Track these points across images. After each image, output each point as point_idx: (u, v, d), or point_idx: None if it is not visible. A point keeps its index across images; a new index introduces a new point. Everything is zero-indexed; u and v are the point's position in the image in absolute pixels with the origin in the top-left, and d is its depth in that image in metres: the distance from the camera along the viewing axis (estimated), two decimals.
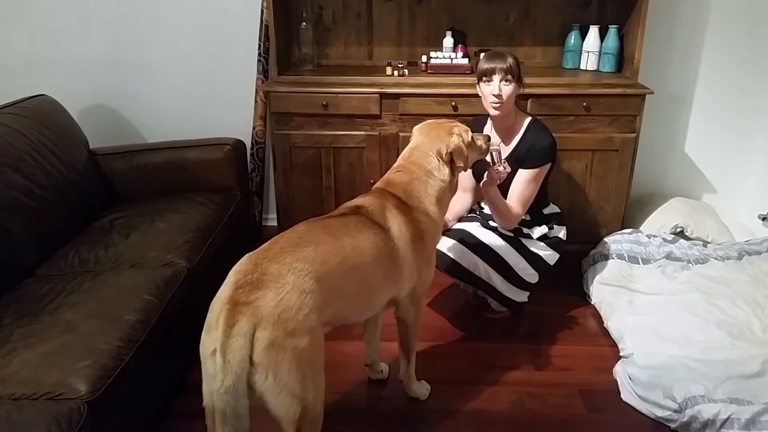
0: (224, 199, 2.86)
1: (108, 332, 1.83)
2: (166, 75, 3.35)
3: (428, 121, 2.19)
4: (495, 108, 2.38)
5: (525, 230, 2.52)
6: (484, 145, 2.18)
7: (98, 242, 2.44)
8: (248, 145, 3.29)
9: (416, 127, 2.16)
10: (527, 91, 2.76)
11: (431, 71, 3.04)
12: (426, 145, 2.05)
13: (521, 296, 2.62)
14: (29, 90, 2.85)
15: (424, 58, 3.08)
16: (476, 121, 2.59)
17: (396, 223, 1.88)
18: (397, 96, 2.88)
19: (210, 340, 1.46)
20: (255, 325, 1.45)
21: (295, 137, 2.96)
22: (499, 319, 2.70)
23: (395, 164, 2.10)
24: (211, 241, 2.51)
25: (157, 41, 3.28)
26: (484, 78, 2.38)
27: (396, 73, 2.99)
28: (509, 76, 2.35)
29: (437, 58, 3.05)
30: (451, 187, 2.07)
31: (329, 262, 1.65)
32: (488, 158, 2.27)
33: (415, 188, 1.98)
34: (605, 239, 2.99)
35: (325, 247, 1.68)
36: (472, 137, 2.11)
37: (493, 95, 2.35)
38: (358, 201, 1.94)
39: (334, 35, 3.24)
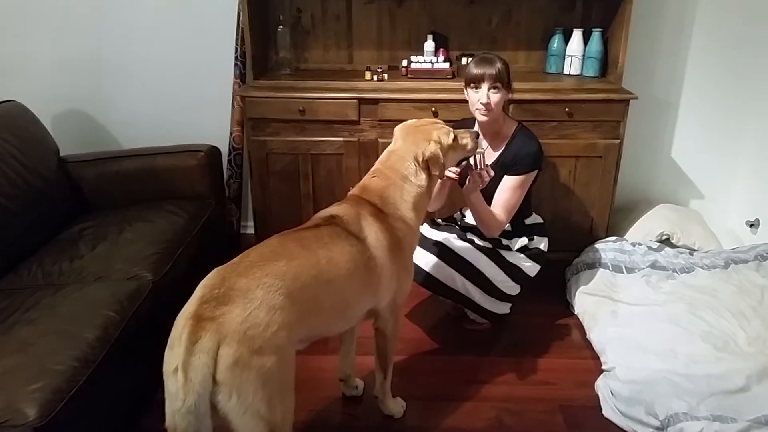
0: (197, 207, 2.78)
1: (64, 351, 1.74)
2: (141, 79, 3.26)
3: (411, 121, 2.12)
4: (482, 114, 2.32)
5: (504, 242, 2.45)
6: (470, 143, 2.10)
7: (64, 253, 2.36)
8: (225, 151, 3.22)
9: (398, 128, 2.09)
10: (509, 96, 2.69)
11: (411, 76, 2.97)
12: (404, 149, 1.99)
13: (502, 308, 2.55)
14: (1, 94, 2.77)
15: (404, 63, 3.01)
16: (463, 124, 2.50)
17: (372, 232, 1.82)
18: (376, 101, 2.80)
19: (172, 357, 1.39)
20: (219, 341, 1.38)
21: (272, 143, 2.88)
22: (479, 330, 2.63)
23: (373, 168, 2.03)
24: (181, 252, 2.43)
25: (132, 44, 3.20)
26: (472, 84, 2.31)
27: (375, 77, 2.91)
28: (498, 84, 2.27)
29: (418, 62, 2.98)
30: (429, 193, 2.01)
31: (302, 277, 1.59)
32: (471, 161, 2.20)
33: (391, 194, 1.92)
34: (589, 247, 2.93)
35: (298, 262, 1.61)
36: (455, 137, 2.04)
37: (481, 103, 2.28)
38: (333, 210, 1.87)
39: (313, 39, 3.16)
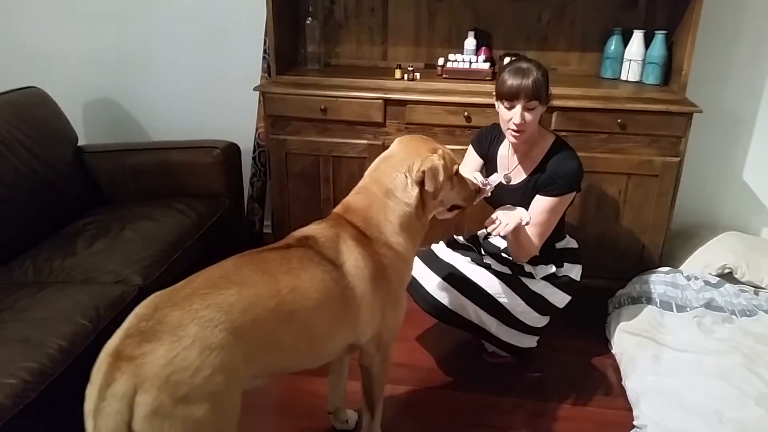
0: (208, 207, 2.63)
1: (19, 362, 1.61)
2: (170, 71, 3.16)
3: (414, 135, 1.87)
4: (514, 137, 2.02)
5: (527, 268, 2.16)
6: (470, 186, 1.84)
7: (60, 250, 2.26)
8: (250, 147, 3.07)
9: (398, 138, 1.83)
10: (553, 103, 2.39)
11: (446, 76, 2.70)
12: (398, 158, 1.72)
13: (526, 341, 2.27)
14: (30, 83, 2.71)
15: (440, 61, 2.75)
16: (491, 131, 2.23)
17: (351, 258, 1.59)
18: (403, 103, 2.57)
19: (89, 396, 1.22)
20: (136, 386, 1.18)
21: (292, 143, 2.70)
22: (499, 364, 2.35)
23: (360, 182, 1.77)
24: (178, 256, 2.29)
25: (162, 36, 3.10)
26: (504, 100, 1.99)
27: (406, 77, 2.67)
28: (535, 102, 1.96)
29: (455, 61, 2.72)
30: (421, 215, 1.72)
31: (255, 309, 1.37)
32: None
33: (375, 215, 1.67)
34: (637, 278, 2.59)
35: (252, 290, 1.40)
36: (457, 170, 1.77)
37: (515, 123, 1.98)
38: (309, 230, 1.65)
39: (346, 32, 2.95)
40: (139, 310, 1.33)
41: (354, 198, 1.72)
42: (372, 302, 1.62)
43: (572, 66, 2.85)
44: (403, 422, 2.03)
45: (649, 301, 2.44)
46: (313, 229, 1.64)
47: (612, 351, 2.40)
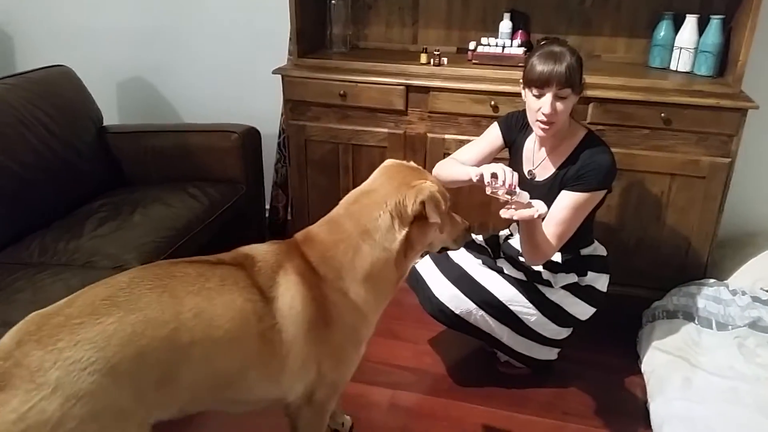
0: (223, 192, 2.57)
1: None
2: (201, 52, 3.11)
3: (400, 162, 1.61)
4: (542, 129, 1.83)
5: (546, 275, 1.97)
6: (460, 226, 1.61)
7: (68, 231, 2.23)
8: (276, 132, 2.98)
9: (381, 165, 1.59)
10: (590, 93, 2.20)
11: (476, 61, 2.52)
12: (382, 192, 1.46)
13: (544, 353, 2.09)
14: (60, 60, 2.73)
15: (471, 45, 2.57)
16: (522, 116, 1.97)
17: (288, 295, 1.35)
18: (426, 89, 2.41)
19: None
20: None
21: (311, 129, 2.60)
22: (515, 375, 2.19)
23: (333, 210, 1.53)
24: (182, 243, 2.23)
25: (195, 17, 3.05)
26: (533, 87, 1.80)
27: (432, 61, 2.50)
28: (567, 90, 1.76)
29: (487, 45, 2.53)
30: (399, 264, 1.46)
31: (139, 339, 1.16)
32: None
33: (338, 255, 1.42)
34: (676, 289, 2.35)
35: (139, 316, 1.19)
36: (448, 208, 1.53)
37: (543, 114, 1.79)
38: (256, 249, 1.44)
39: (375, 14, 2.81)
40: (5, 339, 1.15)
41: (319, 229, 1.48)
42: (304, 353, 1.37)
43: (618, 53, 2.60)
44: (403, 431, 1.90)
45: (687, 316, 2.21)
46: (258, 250, 1.43)
47: (641, 368, 2.19)
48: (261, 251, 1.42)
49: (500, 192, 1.65)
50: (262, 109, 2.98)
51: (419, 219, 1.44)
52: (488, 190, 1.67)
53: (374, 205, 1.44)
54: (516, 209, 1.65)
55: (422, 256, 1.68)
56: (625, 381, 2.19)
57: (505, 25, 2.58)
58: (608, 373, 2.22)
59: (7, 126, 2.30)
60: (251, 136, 2.71)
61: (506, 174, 1.65)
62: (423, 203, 1.42)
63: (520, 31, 2.59)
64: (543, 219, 1.80)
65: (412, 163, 1.60)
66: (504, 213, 1.67)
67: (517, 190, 1.65)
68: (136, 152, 2.74)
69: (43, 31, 3.23)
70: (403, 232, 1.43)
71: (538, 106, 1.79)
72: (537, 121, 1.82)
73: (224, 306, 1.28)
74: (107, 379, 1.12)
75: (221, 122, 2.79)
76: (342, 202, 1.52)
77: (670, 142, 2.27)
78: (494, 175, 1.66)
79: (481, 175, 1.68)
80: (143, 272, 1.30)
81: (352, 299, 1.42)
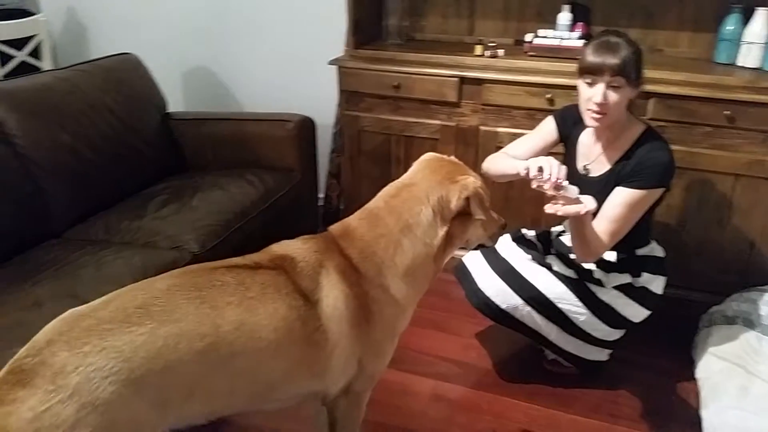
0: (278, 180, 2.62)
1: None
2: (264, 40, 3.19)
3: (441, 156, 1.57)
4: (594, 119, 1.79)
5: (597, 274, 1.92)
6: (497, 223, 1.56)
7: (132, 212, 2.34)
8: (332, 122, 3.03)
9: (421, 158, 1.58)
10: (651, 88, 2.14)
11: (533, 54, 2.48)
12: (425, 185, 1.44)
13: (594, 354, 2.05)
14: (128, 48, 2.85)
15: (528, 37, 2.53)
16: (570, 111, 1.95)
17: (331, 296, 1.33)
18: (480, 81, 2.39)
19: None
20: None
21: (365, 120, 2.62)
22: (563, 374, 2.14)
23: (370, 202, 1.50)
24: (239, 227, 2.30)
25: (256, 4, 3.12)
26: (586, 75, 1.76)
27: (487, 53, 2.48)
28: (621, 79, 1.71)
29: (544, 37, 2.48)
30: (437, 259, 1.44)
31: (170, 353, 1.14)
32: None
33: (379, 250, 1.39)
34: (737, 294, 2.25)
35: (174, 328, 1.16)
36: (488, 210, 1.50)
37: (595, 103, 1.75)
38: (291, 248, 1.40)
39: (431, 5, 2.81)
40: (39, 335, 1.15)
41: (358, 223, 1.44)
42: (348, 350, 1.36)
43: (682, 48, 2.51)
44: (444, 423, 1.91)
45: (747, 322, 2.12)
46: (295, 248, 1.39)
47: (696, 375, 2.12)
48: (299, 251, 1.39)
49: (546, 186, 1.62)
50: (321, 98, 3.03)
51: (461, 215, 1.43)
52: (534, 184, 1.65)
53: (416, 200, 1.42)
54: (563, 204, 1.62)
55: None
56: (677, 386, 2.12)
57: (565, 16, 2.53)
58: (661, 378, 2.15)
59: (79, 111, 2.42)
60: (306, 126, 2.76)
61: (552, 167, 1.61)
62: (467, 199, 1.41)
63: (580, 23, 2.53)
64: (593, 216, 1.75)
65: (452, 158, 1.59)
66: (549, 208, 1.64)
67: (565, 184, 1.62)
68: (197, 139, 2.83)
69: (113, 20, 3.39)
70: (445, 228, 1.41)
71: (590, 94, 1.76)
72: (588, 110, 1.78)
73: (267, 316, 1.26)
74: (128, 390, 1.09)
75: (281, 111, 2.84)
76: (381, 194, 1.51)
77: (735, 141, 2.17)
78: (540, 169, 1.63)
79: (528, 169, 1.66)
80: (182, 279, 1.27)
81: (392, 294, 1.41)
